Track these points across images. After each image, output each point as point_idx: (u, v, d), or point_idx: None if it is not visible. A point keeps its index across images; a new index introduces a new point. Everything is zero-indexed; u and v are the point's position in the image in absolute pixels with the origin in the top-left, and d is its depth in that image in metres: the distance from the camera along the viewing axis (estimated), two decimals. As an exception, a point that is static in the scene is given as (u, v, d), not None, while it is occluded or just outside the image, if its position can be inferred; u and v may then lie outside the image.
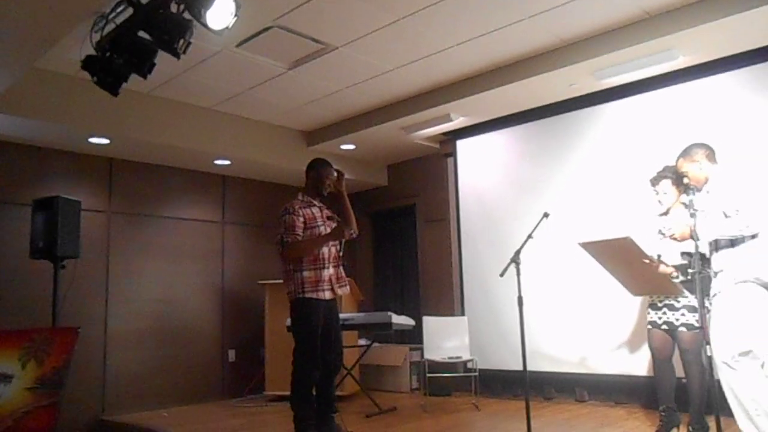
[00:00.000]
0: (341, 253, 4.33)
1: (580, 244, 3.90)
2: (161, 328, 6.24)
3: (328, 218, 4.30)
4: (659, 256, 3.81)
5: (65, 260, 4.65)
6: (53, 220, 4.55)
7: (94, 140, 5.55)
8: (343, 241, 4.31)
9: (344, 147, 6.96)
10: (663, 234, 3.85)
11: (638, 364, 5.03)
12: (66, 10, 3.34)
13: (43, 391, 4.06)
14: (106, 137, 5.51)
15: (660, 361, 4.00)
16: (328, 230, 4.20)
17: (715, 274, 3.26)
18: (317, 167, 4.35)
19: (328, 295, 4.15)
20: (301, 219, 4.13)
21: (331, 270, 4.21)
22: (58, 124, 5.13)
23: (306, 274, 4.11)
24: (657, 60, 4.71)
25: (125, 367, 5.90)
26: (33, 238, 4.67)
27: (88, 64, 3.51)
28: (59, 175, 5.71)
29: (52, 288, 4.57)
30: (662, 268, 3.80)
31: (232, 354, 6.77)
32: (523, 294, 3.68)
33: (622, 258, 3.89)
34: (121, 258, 6.05)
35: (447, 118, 5.98)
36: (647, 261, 3.74)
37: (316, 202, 4.29)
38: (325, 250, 4.19)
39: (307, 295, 4.08)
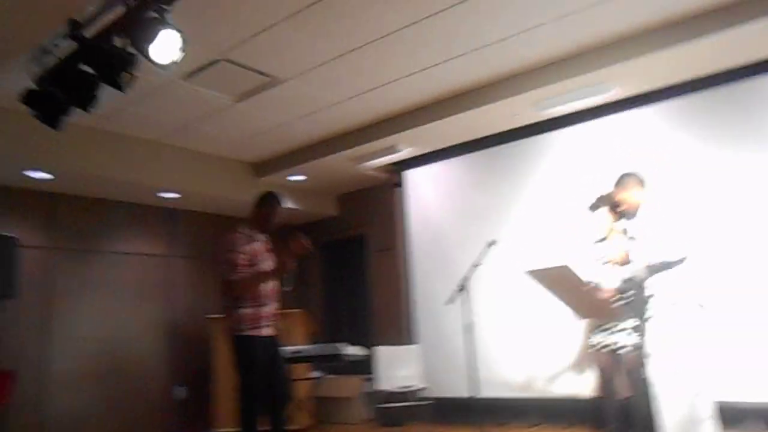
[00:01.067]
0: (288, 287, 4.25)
1: (526, 272, 4.03)
2: (106, 367, 6.03)
3: (269, 251, 4.22)
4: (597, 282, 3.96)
5: (2, 300, 4.47)
6: (-12, 257, 4.40)
7: (32, 174, 5.39)
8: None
9: (293, 178, 6.97)
10: (602, 260, 4.01)
11: (587, 386, 5.13)
12: (3, 43, 3.28)
13: (-24, 439, 3.86)
14: (48, 171, 5.36)
15: (605, 381, 4.11)
16: (271, 264, 4.12)
17: (647, 298, 3.39)
18: (272, 204, 4.24)
19: (266, 331, 4.08)
20: (243, 255, 4.02)
21: (272, 306, 4.14)
22: (-5, 159, 4.97)
23: (244, 311, 4.00)
24: (592, 92, 4.95)
25: (68, 409, 5.66)
26: (-33, 277, 4.48)
27: (28, 99, 3.45)
28: (-5, 211, 5.51)
29: (-12, 329, 4.39)
30: (599, 294, 3.95)
31: (181, 391, 6.58)
32: (474, 320, 3.74)
33: (563, 284, 4.04)
34: (63, 296, 5.85)
35: (394, 149, 6.08)
36: (584, 288, 3.89)
37: (258, 236, 4.18)
38: (266, 285, 4.10)
39: (245, 333, 3.99)
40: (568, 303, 4.20)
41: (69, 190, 5.97)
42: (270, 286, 4.14)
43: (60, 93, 3.41)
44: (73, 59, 3.33)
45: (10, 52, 3.42)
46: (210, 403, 6.28)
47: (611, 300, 3.95)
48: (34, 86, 3.47)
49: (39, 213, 5.85)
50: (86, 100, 3.39)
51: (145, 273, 6.56)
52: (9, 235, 4.62)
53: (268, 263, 4.14)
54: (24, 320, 5.29)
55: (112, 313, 6.17)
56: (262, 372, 4.04)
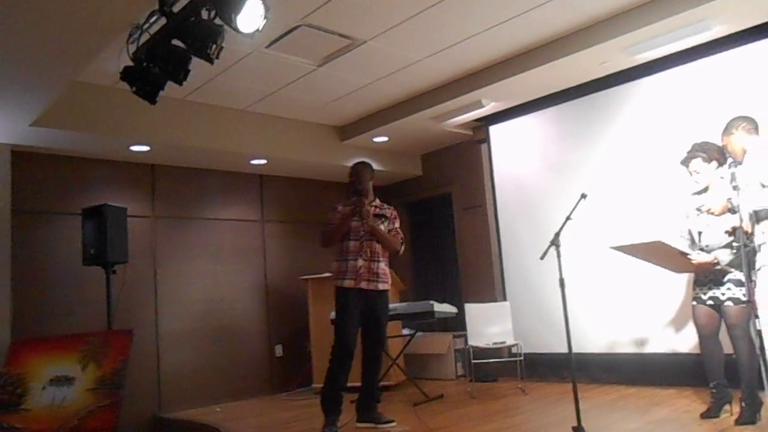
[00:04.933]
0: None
1: (611, 247, 3.94)
2: (209, 326, 6.42)
3: (376, 216, 4.47)
4: (701, 246, 3.85)
5: (116, 265, 4.82)
6: (102, 227, 4.73)
7: (135, 148, 5.73)
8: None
9: (377, 139, 7.01)
10: (700, 211, 3.82)
11: (685, 342, 4.96)
12: (102, 24, 3.45)
13: (103, 392, 4.25)
14: (147, 144, 5.68)
15: (706, 337, 3.95)
16: (363, 226, 4.38)
17: (759, 246, 3.20)
18: (355, 171, 4.59)
19: (351, 284, 4.30)
20: (339, 216, 4.42)
21: (360, 262, 4.33)
22: (101, 135, 5.31)
23: (335, 263, 4.42)
24: (691, 32, 4.60)
25: (178, 365, 6.10)
26: (84, 245, 4.86)
27: (126, 75, 3.63)
28: (105, 184, 5.91)
29: (105, 293, 4.75)
30: (701, 259, 3.78)
31: (279, 349, 6.92)
32: (564, 276, 3.67)
33: (657, 254, 3.93)
34: (167, 261, 6.24)
35: (478, 105, 5.97)
36: (683, 256, 3.81)
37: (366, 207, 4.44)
38: (352, 244, 4.35)
39: (336, 284, 4.37)
40: (663, 264, 4.08)
41: (166, 161, 6.30)
42: (360, 244, 4.36)
43: (155, 68, 3.57)
44: (165, 34, 3.46)
45: (108, 33, 3.59)
46: (307, 360, 6.57)
47: (712, 263, 3.77)
48: (131, 63, 3.65)
49: (142, 184, 6.22)
50: (179, 74, 3.52)
51: (241, 237, 6.87)
52: (120, 206, 4.94)
53: (360, 224, 4.38)
54: (135, 284, 5.70)
55: (212, 276, 6.53)
56: (354, 324, 4.27)
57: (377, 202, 4.60)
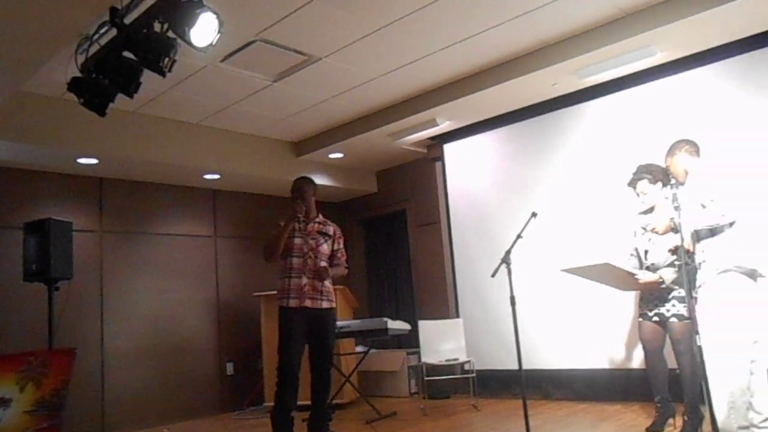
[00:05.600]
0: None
1: (562, 270, 4.05)
2: (158, 344, 6.24)
3: (319, 233, 4.41)
4: (647, 264, 4.01)
5: (59, 282, 4.65)
6: (45, 242, 4.55)
7: (82, 161, 5.57)
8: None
9: (332, 156, 7.00)
10: (645, 230, 3.96)
11: (632, 358, 5.09)
12: (51, 34, 3.37)
13: (42, 414, 4.05)
14: (95, 157, 5.53)
15: (651, 353, 4.07)
16: (305, 243, 4.32)
17: (699, 264, 3.32)
18: (299, 187, 4.45)
19: (296, 303, 4.21)
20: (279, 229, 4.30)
21: (304, 280, 4.26)
22: (46, 147, 5.14)
23: (278, 282, 4.32)
24: (636, 57, 4.79)
25: (124, 385, 5.90)
26: (26, 261, 4.65)
27: (74, 86, 3.54)
28: (49, 197, 5.71)
29: (47, 310, 4.57)
30: (647, 279, 3.91)
31: (230, 367, 6.78)
32: (516, 293, 3.72)
33: (605, 275, 4.05)
34: (115, 277, 6.06)
35: (433, 123, 6.05)
36: (630, 276, 3.94)
37: (301, 217, 4.37)
38: (295, 261, 4.27)
39: (277, 303, 4.30)
40: (611, 284, 4.20)
41: (115, 175, 6.13)
42: (305, 262, 4.29)
43: (104, 80, 3.49)
44: (116, 46, 3.39)
45: (56, 43, 3.50)
46: (259, 379, 6.45)
47: (658, 282, 3.90)
48: (79, 74, 3.56)
49: (89, 198, 6.04)
50: (130, 86, 3.44)
51: (192, 253, 6.73)
52: (65, 220, 4.78)
53: (300, 241, 4.32)
54: (80, 301, 5.51)
55: (162, 292, 6.37)
56: (298, 344, 4.19)
57: (320, 218, 4.50)
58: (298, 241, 4.31)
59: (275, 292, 4.38)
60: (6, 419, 3.93)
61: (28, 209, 5.38)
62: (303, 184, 4.46)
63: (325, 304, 4.30)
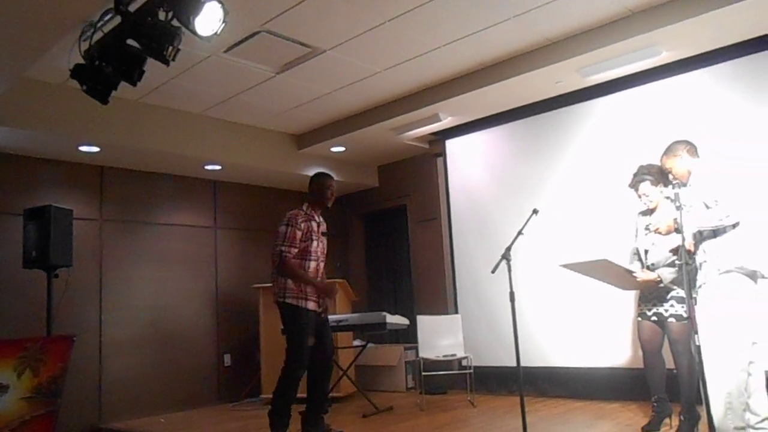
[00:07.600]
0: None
1: (561, 265, 4.03)
2: (156, 333, 6.25)
3: (323, 234, 4.45)
4: (647, 264, 3.99)
5: (58, 269, 4.65)
6: (45, 229, 4.55)
7: (84, 149, 5.56)
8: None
9: (334, 149, 6.99)
10: (648, 230, 3.95)
11: (631, 357, 5.09)
12: (54, 20, 3.36)
13: (39, 400, 4.06)
14: (97, 145, 5.52)
15: (649, 352, 4.07)
16: (320, 246, 4.38)
17: (700, 265, 3.32)
18: (320, 178, 4.50)
19: (311, 305, 4.26)
20: (300, 233, 4.26)
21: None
22: (48, 134, 5.14)
23: (289, 282, 4.25)
24: (641, 56, 4.78)
25: (121, 373, 5.91)
26: (26, 247, 4.66)
27: (77, 72, 3.53)
28: (51, 185, 5.71)
29: (46, 297, 4.57)
30: (645, 277, 3.90)
31: (227, 358, 6.78)
32: (515, 290, 3.71)
33: (603, 272, 4.04)
34: (114, 265, 6.05)
35: (435, 118, 6.03)
36: (628, 274, 3.93)
37: (316, 216, 4.41)
38: (312, 264, 4.32)
39: (288, 301, 4.23)
40: (610, 282, 4.20)
41: (116, 163, 6.13)
42: (319, 266, 4.39)
43: (107, 67, 3.48)
44: (120, 34, 3.38)
45: (60, 29, 3.49)
46: (257, 370, 6.46)
47: (656, 281, 3.89)
48: (82, 61, 3.55)
49: (90, 186, 6.03)
50: (133, 74, 3.45)
51: (192, 244, 6.72)
52: (65, 207, 4.78)
53: (318, 243, 4.37)
54: (79, 288, 5.49)
55: (161, 282, 6.37)
56: (308, 345, 4.23)
57: (320, 218, 4.51)
58: (315, 244, 4.35)
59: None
60: (3, 405, 3.94)
61: (29, 196, 5.37)
62: (327, 180, 4.49)
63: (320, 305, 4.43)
